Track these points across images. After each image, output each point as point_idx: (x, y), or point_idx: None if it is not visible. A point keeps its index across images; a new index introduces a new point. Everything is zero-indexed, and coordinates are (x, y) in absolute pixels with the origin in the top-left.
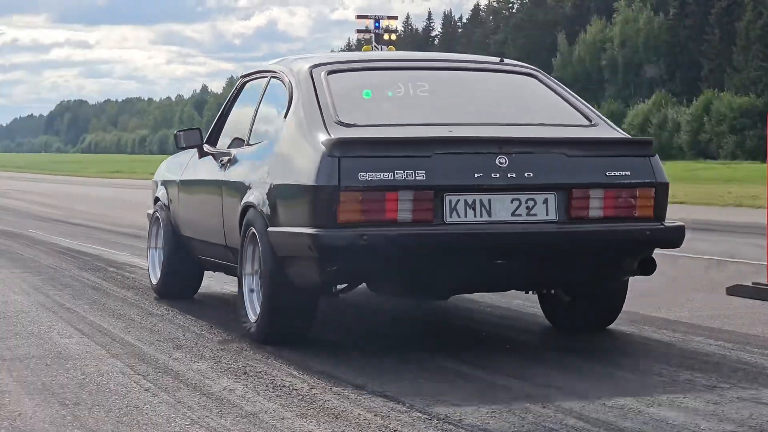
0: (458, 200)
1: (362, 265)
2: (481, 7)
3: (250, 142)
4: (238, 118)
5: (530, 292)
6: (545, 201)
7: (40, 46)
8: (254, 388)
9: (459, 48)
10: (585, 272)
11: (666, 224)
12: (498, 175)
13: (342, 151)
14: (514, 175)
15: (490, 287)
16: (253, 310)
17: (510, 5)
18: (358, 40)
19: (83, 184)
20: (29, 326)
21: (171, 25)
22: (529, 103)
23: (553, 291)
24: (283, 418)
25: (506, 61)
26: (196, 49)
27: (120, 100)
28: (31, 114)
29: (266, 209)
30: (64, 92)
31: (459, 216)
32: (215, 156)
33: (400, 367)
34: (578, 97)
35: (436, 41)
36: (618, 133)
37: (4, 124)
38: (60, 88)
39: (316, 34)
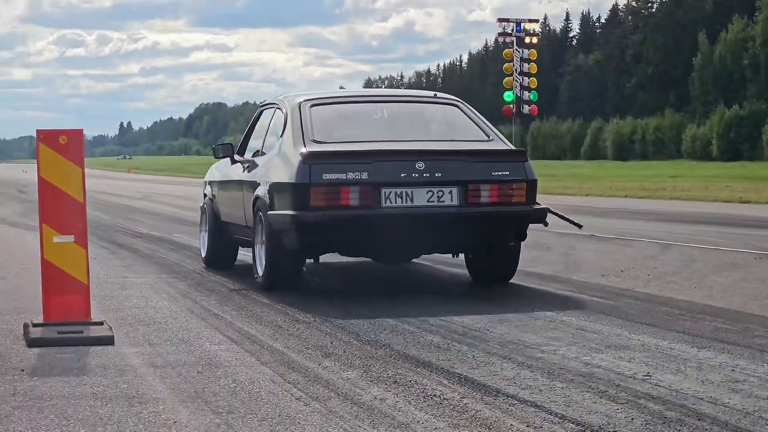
0: (390, 192)
1: (328, 235)
2: (619, 7)
3: (263, 152)
4: (257, 135)
5: (454, 257)
6: (450, 192)
7: (180, 49)
8: (405, 398)
9: (597, 48)
10: (480, 240)
11: (534, 207)
12: (417, 175)
13: (312, 160)
14: (428, 175)
15: (417, 252)
16: (261, 267)
17: (649, 5)
18: (498, 42)
19: None
20: (179, 332)
21: (309, 27)
22: (447, 126)
23: (469, 255)
24: (435, 429)
25: (438, 95)
26: (334, 51)
27: (258, 102)
28: (171, 117)
29: (267, 198)
30: (203, 95)
31: (391, 203)
32: (241, 162)
33: (551, 375)
34: (485, 121)
35: (574, 42)
36: (505, 146)
37: (145, 127)
38: (199, 91)
39: (453, 35)
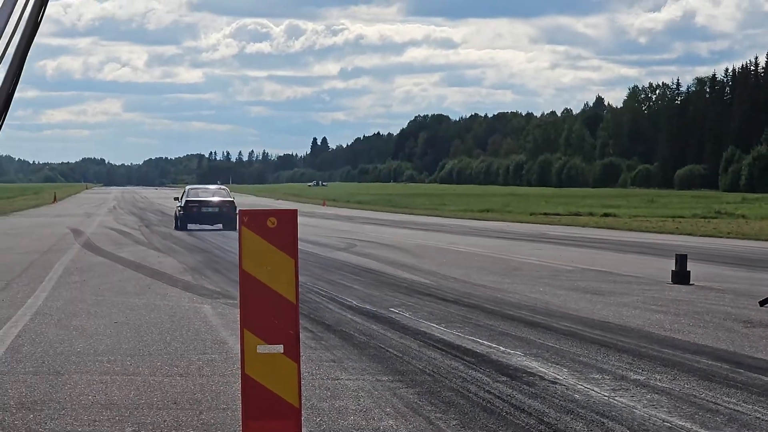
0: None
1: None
2: None
3: None
4: None
5: None
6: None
7: (390, 45)
8: None
9: None
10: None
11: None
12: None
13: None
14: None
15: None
16: None
17: None
18: None
19: (445, 229)
20: None
21: (557, 18)
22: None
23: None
24: None
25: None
26: (590, 50)
27: (490, 115)
28: (378, 132)
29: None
30: (419, 105)
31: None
32: None
33: None
34: (226, 189)
35: None
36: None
37: (345, 145)
38: (415, 99)
39: (746, 29)
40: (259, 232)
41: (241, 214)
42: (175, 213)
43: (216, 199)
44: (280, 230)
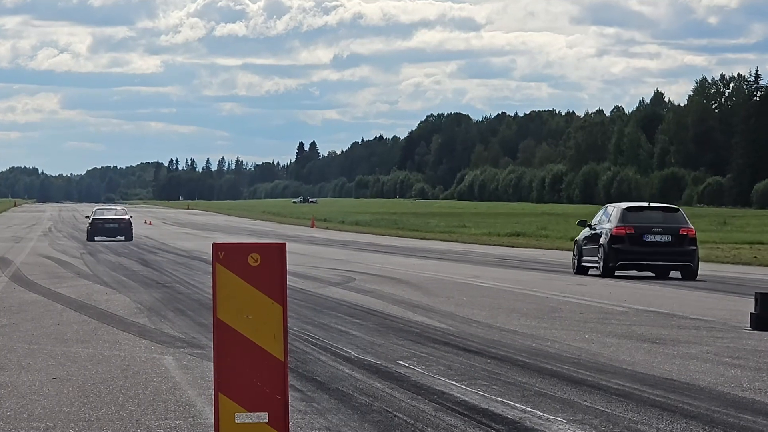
0: None
1: None
2: None
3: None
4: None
5: None
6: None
7: (395, 26)
8: None
9: None
10: None
11: None
12: None
13: None
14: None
15: None
16: None
17: None
18: None
19: (465, 258)
20: None
21: None
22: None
23: None
24: None
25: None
26: (646, 33)
27: (520, 114)
28: (380, 136)
29: None
30: (432, 101)
31: None
32: None
33: None
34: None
35: None
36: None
37: (339, 152)
38: (426, 94)
39: None
40: (239, 272)
41: (216, 249)
42: (87, 228)
43: (116, 216)
44: (265, 269)
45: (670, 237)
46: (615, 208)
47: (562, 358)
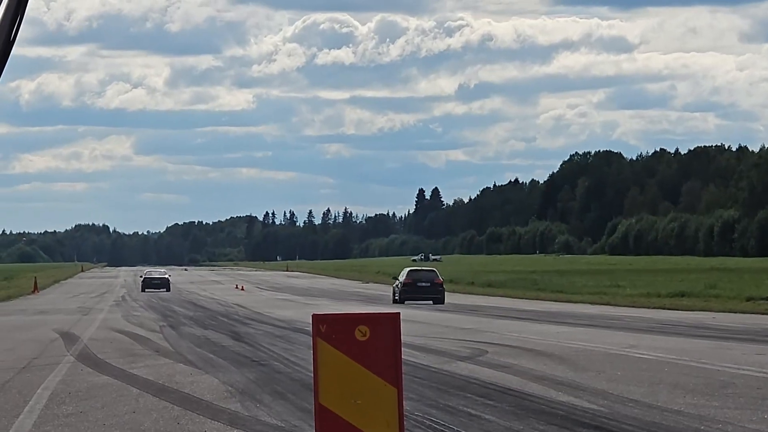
0: None
1: None
2: None
3: None
4: None
5: None
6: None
7: (532, 49)
8: None
9: None
10: None
11: None
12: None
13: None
14: None
15: None
16: None
17: None
18: None
19: (618, 324)
20: None
21: None
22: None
23: None
24: None
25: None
26: None
27: (682, 151)
28: (515, 180)
29: None
30: (577, 137)
31: None
32: None
33: None
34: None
35: None
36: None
37: (466, 200)
38: (570, 129)
39: None
40: (344, 348)
41: (317, 321)
42: (140, 284)
43: (160, 276)
44: (375, 344)
45: None
46: None
47: None
